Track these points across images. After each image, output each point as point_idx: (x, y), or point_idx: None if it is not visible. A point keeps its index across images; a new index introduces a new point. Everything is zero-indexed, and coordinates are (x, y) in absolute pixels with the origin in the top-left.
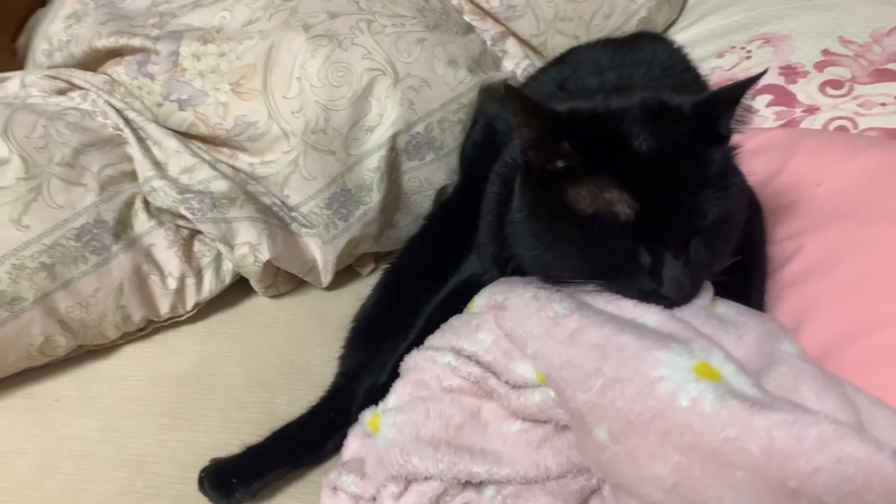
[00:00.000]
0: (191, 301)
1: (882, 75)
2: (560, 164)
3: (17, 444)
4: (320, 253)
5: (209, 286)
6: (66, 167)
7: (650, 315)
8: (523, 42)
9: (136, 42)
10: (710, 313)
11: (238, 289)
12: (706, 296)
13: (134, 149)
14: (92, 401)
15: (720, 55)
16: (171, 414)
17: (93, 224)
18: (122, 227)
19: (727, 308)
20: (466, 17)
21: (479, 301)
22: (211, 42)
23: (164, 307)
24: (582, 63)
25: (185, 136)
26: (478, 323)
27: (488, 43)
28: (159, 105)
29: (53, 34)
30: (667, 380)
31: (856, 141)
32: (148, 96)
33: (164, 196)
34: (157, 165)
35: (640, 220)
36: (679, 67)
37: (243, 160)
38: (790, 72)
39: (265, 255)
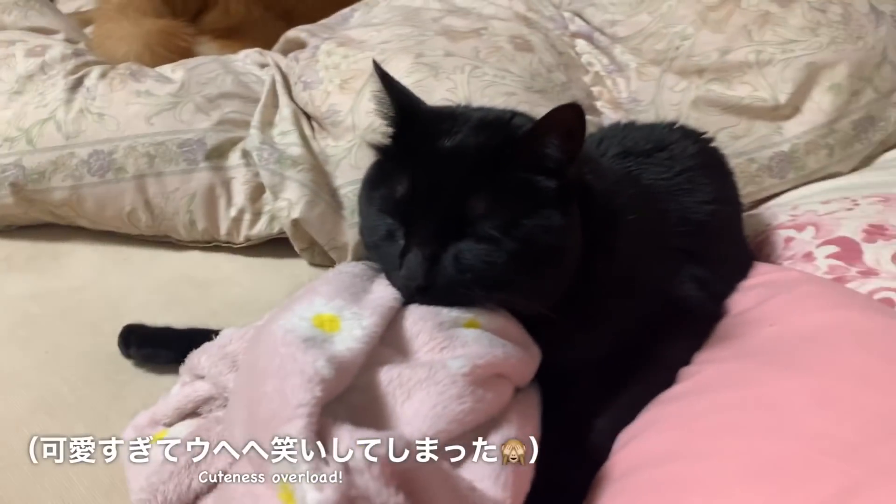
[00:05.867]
0: (243, 233)
1: None
2: (386, 138)
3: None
4: (349, 235)
5: (260, 227)
6: (205, 100)
7: (380, 290)
8: None
9: (305, 36)
10: (447, 325)
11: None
12: (463, 312)
13: (259, 106)
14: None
15: (826, 202)
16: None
17: (194, 141)
18: (216, 153)
19: (479, 334)
20: (598, 104)
21: None
22: (344, 46)
23: (222, 228)
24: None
25: (303, 112)
26: None
27: None
28: (295, 83)
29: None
30: (289, 316)
31: (850, 299)
32: (291, 74)
33: (250, 140)
34: (268, 123)
35: (408, 202)
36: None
37: (326, 141)
38: (876, 231)
39: (296, 213)
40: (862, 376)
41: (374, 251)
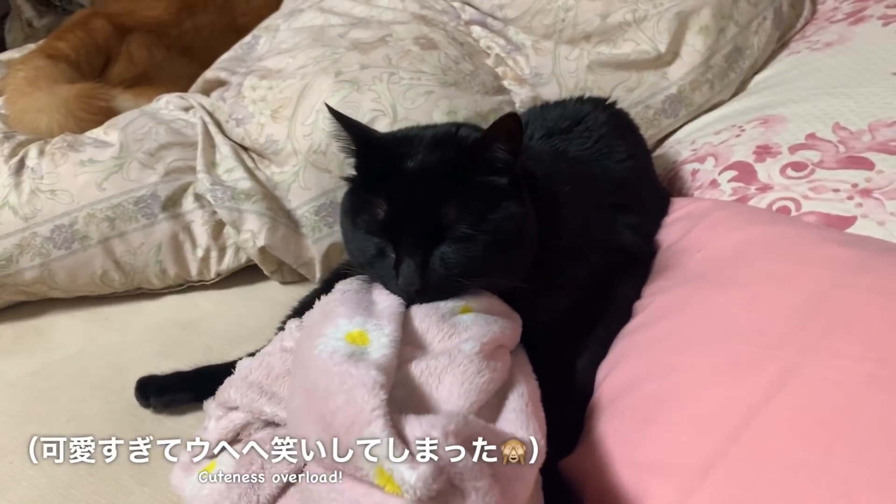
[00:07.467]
0: (213, 270)
1: (851, 162)
2: (353, 171)
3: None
4: (314, 251)
5: (228, 261)
6: (147, 155)
7: (384, 299)
8: None
9: (224, 75)
10: (447, 316)
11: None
12: (456, 301)
13: (198, 150)
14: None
15: (717, 132)
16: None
17: (148, 196)
18: (171, 202)
19: (474, 317)
20: (505, 83)
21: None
22: (266, 78)
23: (193, 270)
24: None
25: (241, 146)
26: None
27: (517, 105)
28: (226, 122)
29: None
30: (324, 340)
31: (755, 216)
32: (220, 114)
33: (200, 184)
34: (211, 164)
35: (390, 221)
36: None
37: (270, 169)
38: (763, 151)
39: (261, 241)
40: (776, 279)
41: (369, 268)
